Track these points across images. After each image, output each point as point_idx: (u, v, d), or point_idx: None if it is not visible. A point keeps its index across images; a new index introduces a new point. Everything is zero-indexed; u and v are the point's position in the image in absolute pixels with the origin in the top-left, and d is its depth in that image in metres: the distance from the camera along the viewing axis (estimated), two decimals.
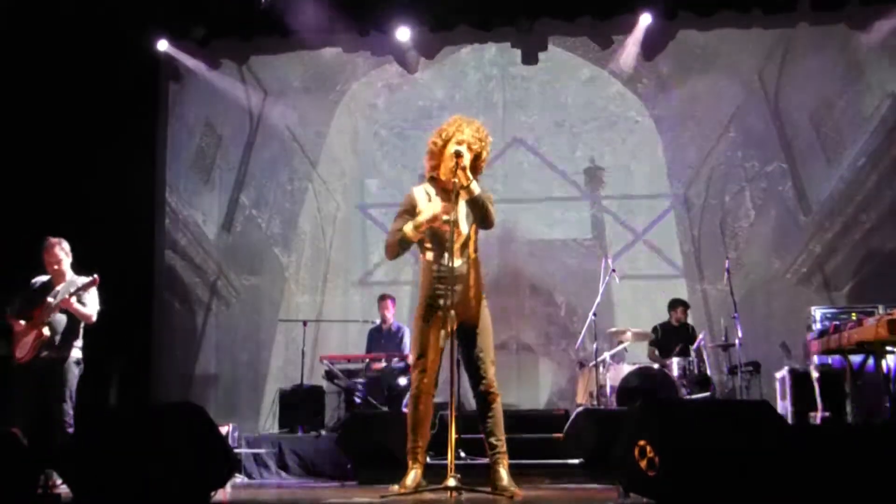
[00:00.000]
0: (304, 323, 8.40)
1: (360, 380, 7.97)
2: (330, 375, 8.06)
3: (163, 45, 9.38)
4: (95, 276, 5.93)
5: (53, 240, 6.08)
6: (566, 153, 10.22)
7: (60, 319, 5.93)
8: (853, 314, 6.60)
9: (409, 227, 4.25)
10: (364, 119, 10.52)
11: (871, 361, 5.95)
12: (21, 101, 8.31)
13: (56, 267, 6.03)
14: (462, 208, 4.26)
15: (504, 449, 4.23)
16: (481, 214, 4.21)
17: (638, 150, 10.15)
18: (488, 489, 4.14)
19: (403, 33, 9.20)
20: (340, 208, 10.46)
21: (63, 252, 6.07)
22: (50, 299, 5.89)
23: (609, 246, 9.81)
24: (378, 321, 8.52)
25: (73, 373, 5.90)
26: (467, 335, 4.26)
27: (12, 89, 8.27)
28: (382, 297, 8.53)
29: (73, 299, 5.85)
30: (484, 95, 10.36)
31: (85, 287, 5.89)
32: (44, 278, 6.11)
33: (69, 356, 5.91)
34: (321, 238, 10.37)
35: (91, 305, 6.00)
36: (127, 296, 8.40)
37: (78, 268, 6.16)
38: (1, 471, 3.89)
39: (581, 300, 9.54)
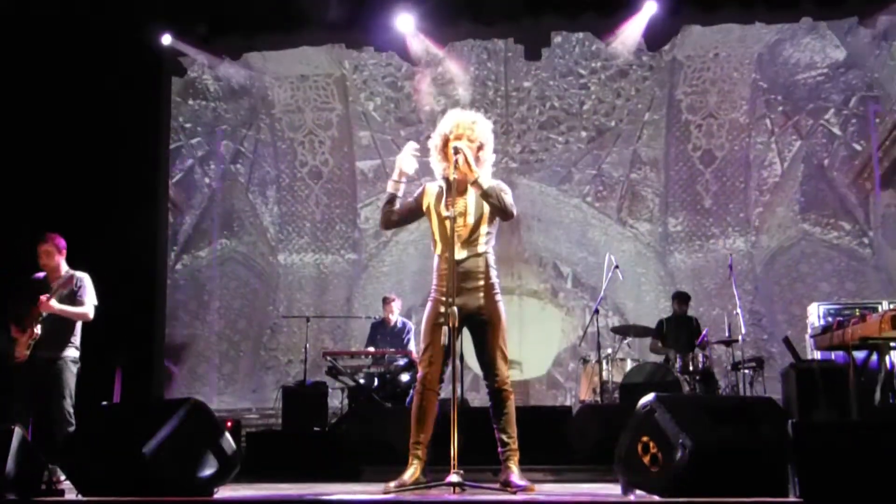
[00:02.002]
0: (308, 319, 8.39)
1: (364, 375, 7.94)
2: (333, 371, 8.04)
3: (167, 40, 9.43)
4: (77, 273, 5.85)
5: (48, 235, 5.94)
6: (574, 107, 9.60)
7: (51, 318, 5.80)
8: (856, 310, 6.59)
9: (390, 183, 4.39)
10: (354, 68, 10.01)
11: (874, 357, 5.94)
12: (22, 98, 8.33)
13: (46, 261, 5.89)
14: (471, 200, 4.25)
15: (515, 446, 4.21)
16: (497, 207, 4.19)
17: (652, 99, 9.50)
18: (493, 485, 4.14)
19: (406, 28, 9.20)
20: (328, 162, 10.00)
21: (56, 248, 5.90)
22: (43, 298, 5.77)
23: (618, 208, 9.44)
24: (380, 316, 8.49)
25: (71, 371, 5.79)
26: (478, 330, 4.24)
27: (15, 86, 8.29)
28: (385, 301, 8.46)
29: (54, 300, 5.71)
30: (483, 43, 9.77)
31: (63, 285, 5.78)
32: (40, 275, 5.99)
33: (64, 355, 5.79)
34: (309, 194, 9.94)
35: (88, 302, 5.88)
36: (128, 288, 8.43)
37: (81, 258, 6.10)
38: (4, 467, 3.89)
39: (587, 271, 9.33)
